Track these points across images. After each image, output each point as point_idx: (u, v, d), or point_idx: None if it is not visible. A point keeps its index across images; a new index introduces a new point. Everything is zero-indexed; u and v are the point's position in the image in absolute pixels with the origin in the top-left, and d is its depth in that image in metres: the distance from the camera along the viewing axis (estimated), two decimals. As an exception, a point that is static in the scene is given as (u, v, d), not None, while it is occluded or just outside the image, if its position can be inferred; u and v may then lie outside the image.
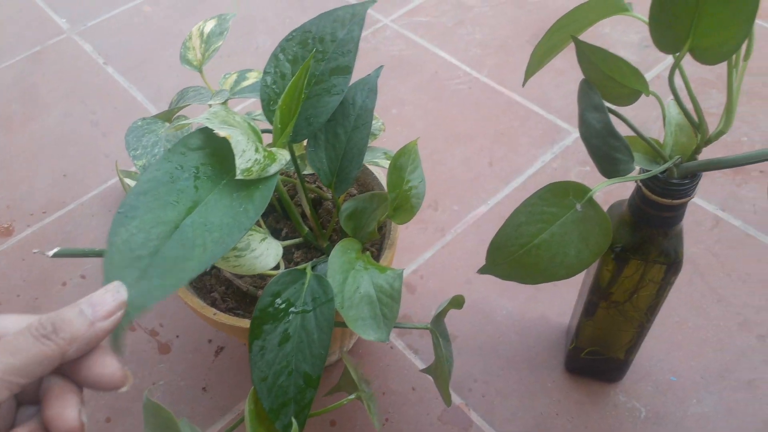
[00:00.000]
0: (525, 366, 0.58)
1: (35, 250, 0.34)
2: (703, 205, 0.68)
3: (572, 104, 0.78)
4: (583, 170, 0.71)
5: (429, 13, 0.92)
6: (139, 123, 0.49)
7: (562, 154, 0.73)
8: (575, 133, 0.75)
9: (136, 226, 0.32)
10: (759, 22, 0.86)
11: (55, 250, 0.37)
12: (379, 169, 0.54)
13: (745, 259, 0.63)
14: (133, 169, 0.75)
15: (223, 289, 0.49)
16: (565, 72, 0.82)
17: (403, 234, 0.68)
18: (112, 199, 0.73)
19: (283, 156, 0.38)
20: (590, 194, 0.33)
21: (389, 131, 0.77)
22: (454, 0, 0.94)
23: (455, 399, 0.56)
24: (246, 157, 0.35)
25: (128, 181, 0.61)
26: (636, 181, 0.41)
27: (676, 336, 0.59)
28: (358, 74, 0.83)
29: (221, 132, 0.35)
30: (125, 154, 0.77)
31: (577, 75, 0.82)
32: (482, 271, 0.35)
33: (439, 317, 0.43)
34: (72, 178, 0.75)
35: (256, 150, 0.37)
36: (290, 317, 0.38)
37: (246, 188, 0.36)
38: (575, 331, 0.54)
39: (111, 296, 0.30)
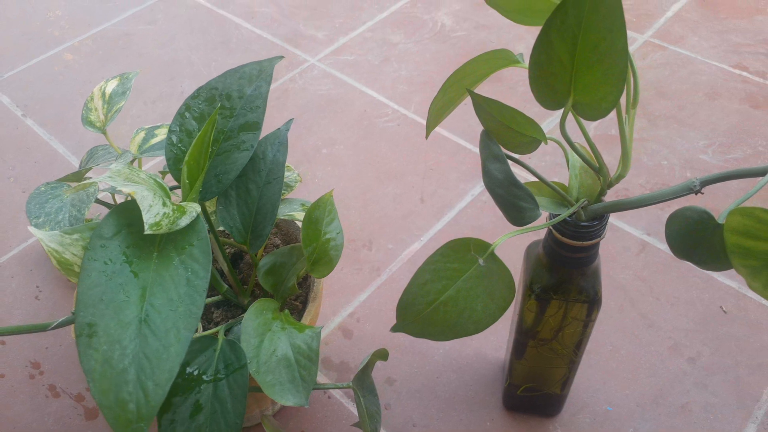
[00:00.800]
0: (464, 406, 0.57)
1: None
2: (630, 230, 0.69)
3: (500, 135, 0.79)
4: (513, 201, 0.72)
5: (355, 51, 0.92)
6: (42, 188, 0.47)
7: (492, 186, 0.74)
8: (504, 164, 0.76)
9: (104, 341, 0.32)
10: (674, 48, 0.90)
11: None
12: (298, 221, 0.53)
13: (673, 283, 0.64)
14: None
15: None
16: (492, 103, 0.84)
17: (337, 276, 0.67)
18: (31, 259, 0.69)
19: (194, 208, 0.37)
20: (491, 248, 0.33)
21: (320, 172, 0.76)
22: (378, 37, 0.94)
23: (394, 447, 0.55)
24: (153, 212, 0.34)
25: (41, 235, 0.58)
26: (548, 227, 0.41)
27: (610, 364, 0.59)
28: (285, 115, 0.83)
29: (125, 189, 0.33)
30: (46, 211, 0.74)
31: (503, 106, 0.83)
32: (394, 329, 0.34)
33: (364, 372, 0.42)
34: (-12, 239, 0.72)
35: (164, 204, 0.35)
36: (202, 387, 0.37)
37: (181, 250, 0.36)
38: (508, 370, 0.53)
39: None
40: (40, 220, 0.44)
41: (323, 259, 0.44)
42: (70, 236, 0.36)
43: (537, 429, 0.55)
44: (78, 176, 0.50)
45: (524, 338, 0.49)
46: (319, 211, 0.44)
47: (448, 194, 0.73)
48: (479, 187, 0.74)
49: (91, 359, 0.32)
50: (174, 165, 0.42)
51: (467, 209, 0.72)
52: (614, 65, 0.28)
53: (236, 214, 0.44)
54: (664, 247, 0.67)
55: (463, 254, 0.32)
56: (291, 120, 0.46)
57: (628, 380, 0.58)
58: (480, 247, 0.32)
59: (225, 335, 0.43)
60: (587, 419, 0.56)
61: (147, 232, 0.35)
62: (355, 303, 0.65)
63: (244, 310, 0.49)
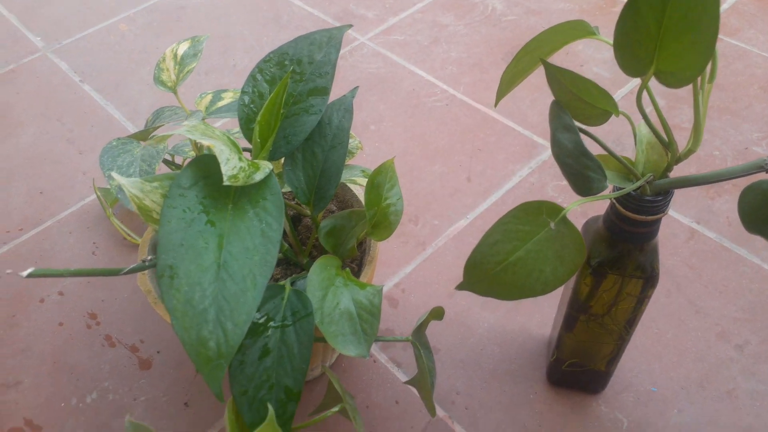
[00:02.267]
0: (507, 378, 0.58)
1: (8, 271, 0.33)
2: (679, 218, 0.69)
3: (548, 120, 0.79)
4: (560, 184, 0.72)
5: (404, 32, 0.93)
6: (114, 143, 0.49)
7: (539, 169, 0.74)
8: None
9: (185, 283, 0.34)
10: (730, 40, 0.89)
11: (29, 270, 0.37)
12: (358, 188, 0.54)
13: (722, 271, 0.64)
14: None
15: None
16: (540, 88, 0.84)
17: (384, 248, 0.68)
18: (89, 217, 0.72)
19: (266, 165, 0.38)
20: (563, 213, 0.33)
21: (368, 148, 0.77)
22: (428, 19, 0.95)
23: (439, 412, 0.56)
24: (231, 165, 0.35)
25: (124, 181, 0.61)
26: (611, 199, 0.41)
27: (656, 347, 0.59)
28: (336, 91, 0.84)
29: (204, 141, 0.35)
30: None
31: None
32: (460, 288, 0.35)
33: (420, 329, 0.43)
34: (48, 195, 0.74)
35: (240, 159, 0.37)
36: (269, 332, 0.38)
37: (255, 203, 0.37)
38: (556, 344, 0.54)
39: None
40: (113, 172, 0.46)
41: (383, 223, 0.45)
42: (151, 184, 0.37)
43: (580, 405, 0.56)
44: (145, 135, 0.51)
45: (576, 312, 0.49)
46: (381, 177, 0.45)
47: (495, 175, 0.74)
48: (527, 169, 0.74)
49: (173, 299, 0.34)
50: (246, 125, 0.44)
51: (514, 190, 0.72)
52: (704, 33, 0.28)
53: (302, 175, 0.45)
54: (713, 235, 0.67)
55: (534, 217, 0.33)
56: (356, 88, 0.47)
57: (674, 363, 0.58)
58: (552, 210, 0.33)
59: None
60: (631, 398, 0.56)
61: (225, 183, 0.37)
62: (400, 274, 0.66)
63: (303, 269, 0.50)
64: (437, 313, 0.42)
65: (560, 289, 0.64)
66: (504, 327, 0.61)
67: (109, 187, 0.74)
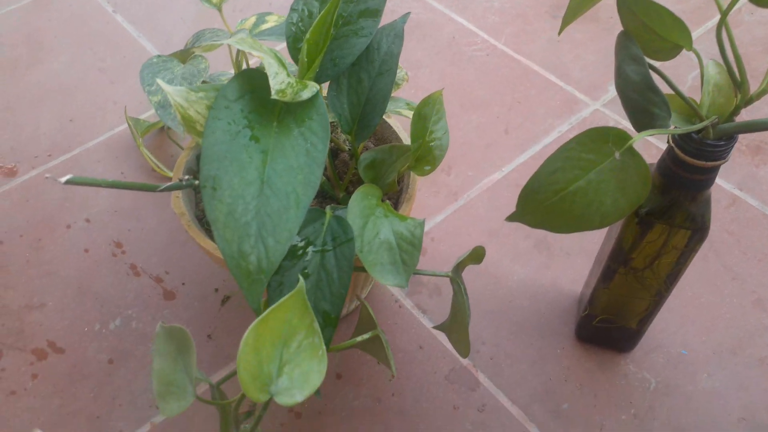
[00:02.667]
0: (535, 332, 0.57)
1: (47, 175, 0.32)
2: (721, 183, 0.67)
3: (591, 76, 0.77)
4: (601, 142, 0.70)
5: (449, -23, 0.90)
6: (155, 60, 0.47)
7: (579, 126, 0.72)
8: (593, 106, 0.74)
9: (228, 195, 0.33)
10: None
11: (68, 177, 0.36)
12: (398, 123, 0.53)
13: (762, 240, 0.62)
14: (142, 116, 0.73)
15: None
16: (584, 44, 0.81)
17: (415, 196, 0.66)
18: (118, 147, 0.71)
19: (313, 85, 0.37)
20: (630, 143, 0.32)
21: (404, 94, 0.75)
22: (475, -35, 0.91)
23: (463, 360, 0.55)
24: (279, 79, 0.34)
25: (170, 89, 0.59)
26: (668, 142, 0.39)
27: (689, 310, 0.58)
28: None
29: (255, 53, 0.33)
30: (134, 102, 0.75)
31: (597, 47, 0.80)
32: (511, 218, 0.34)
33: (458, 268, 0.42)
34: (78, 123, 0.73)
35: (288, 75, 0.35)
36: (309, 256, 0.37)
37: (300, 122, 0.36)
38: (589, 298, 0.53)
39: None
40: (153, 87, 0.45)
41: (427, 157, 0.44)
42: (196, 94, 0.36)
43: (608, 362, 0.55)
44: (185, 55, 0.50)
45: (615, 264, 0.48)
46: (428, 109, 0.43)
47: (534, 128, 0.72)
48: (567, 125, 0.72)
49: (215, 210, 0.33)
50: (293, 44, 0.42)
51: (553, 145, 0.70)
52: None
53: (346, 102, 0.44)
54: (755, 203, 0.65)
55: (600, 145, 0.31)
56: (408, 14, 0.45)
57: (706, 328, 0.57)
58: (619, 138, 0.31)
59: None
60: (660, 359, 0.55)
61: (273, 96, 0.35)
62: (431, 223, 0.65)
63: (338, 203, 0.49)
64: (477, 254, 0.41)
65: (597, 243, 0.62)
66: (535, 281, 0.60)
67: (141, 116, 0.73)
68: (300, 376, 0.30)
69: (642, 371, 0.55)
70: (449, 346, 0.56)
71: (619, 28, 0.82)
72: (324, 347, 0.31)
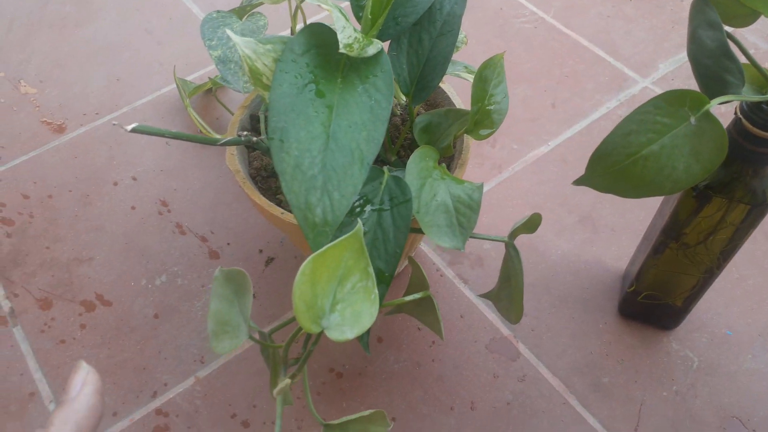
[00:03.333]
0: (577, 306, 0.57)
1: (114, 122, 0.33)
2: (773, 164, 0.65)
3: (642, 53, 0.75)
4: (649, 120, 0.69)
5: (498, -52, 0.88)
6: (214, 15, 0.47)
7: (628, 103, 0.71)
8: (643, 83, 0.73)
9: (295, 147, 0.34)
10: None
11: (134, 125, 0.36)
12: (451, 88, 0.52)
13: (812, 223, 0.61)
14: (190, 77, 0.74)
15: (287, 192, 0.48)
16: (635, 20, 0.79)
17: (458, 167, 0.66)
18: (164, 108, 0.72)
19: (378, 42, 0.36)
20: (708, 107, 0.31)
21: (450, 64, 0.75)
22: (524, -63, 0.90)
23: (504, 330, 0.55)
24: (347, 33, 0.34)
25: (238, 40, 0.60)
26: (736, 113, 0.39)
27: (735, 291, 0.57)
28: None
29: (324, 5, 0.33)
30: (180, 64, 0.76)
31: (648, 24, 0.78)
32: (578, 182, 0.33)
33: (514, 234, 0.42)
34: (125, 82, 0.74)
35: (354, 30, 0.35)
36: (366, 214, 0.37)
37: (365, 79, 0.36)
38: (636, 274, 0.52)
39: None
40: (213, 42, 0.45)
41: (486, 121, 0.43)
42: (264, 46, 0.36)
43: (651, 339, 0.55)
44: (241, 12, 0.50)
45: (667, 239, 0.47)
46: (489, 71, 0.43)
47: (582, 104, 0.71)
48: (615, 102, 0.71)
49: (283, 162, 0.33)
50: (356, 1, 0.42)
51: (601, 121, 0.69)
52: None
53: (405, 63, 0.43)
54: (808, 187, 0.63)
55: (676, 108, 0.30)
56: (471, -24, 0.45)
57: (752, 310, 0.56)
58: (696, 101, 0.31)
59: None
60: (704, 339, 0.55)
61: (341, 50, 0.35)
62: (473, 195, 0.64)
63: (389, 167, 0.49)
64: (533, 221, 0.41)
65: (645, 220, 0.61)
66: (578, 256, 0.60)
67: (189, 77, 0.74)
68: (352, 315, 0.31)
69: (685, 349, 0.54)
70: (490, 316, 0.56)
71: (673, 4, 0.80)
72: (377, 291, 0.32)
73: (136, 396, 0.53)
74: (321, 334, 0.32)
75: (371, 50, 0.37)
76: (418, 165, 0.40)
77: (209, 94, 0.72)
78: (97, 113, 0.71)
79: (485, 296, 0.48)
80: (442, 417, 0.51)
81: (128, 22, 0.81)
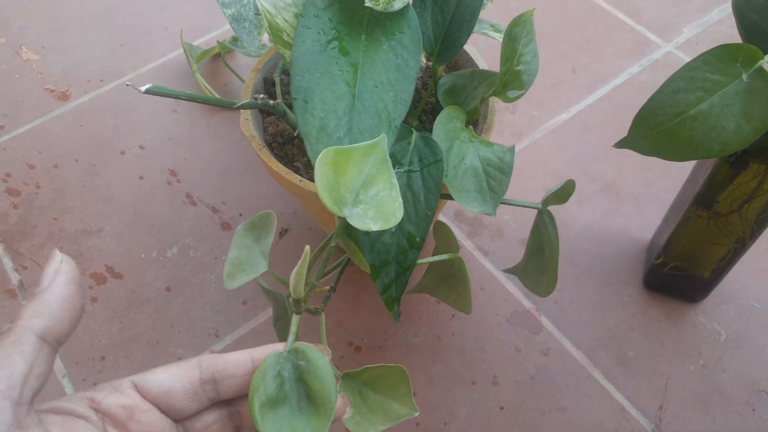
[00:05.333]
0: (601, 278, 0.55)
1: (128, 83, 0.31)
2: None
3: (664, 16, 0.73)
4: (673, 86, 0.67)
5: None
6: (226, -29, 0.45)
7: (650, 68, 0.68)
8: (666, 47, 0.70)
9: (320, 109, 0.32)
10: None
11: (148, 86, 0.34)
12: (474, 49, 0.50)
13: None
14: (196, 42, 0.71)
15: (306, 159, 0.46)
16: (658, -18, 0.76)
17: (476, 135, 0.64)
18: (171, 74, 0.69)
19: (404, -2, 0.34)
20: (761, 62, 0.29)
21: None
22: None
23: (526, 303, 0.54)
24: (372, -13, 0.32)
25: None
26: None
27: (763, 263, 0.56)
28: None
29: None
30: (186, 27, 0.73)
31: (672, -14, 0.75)
32: (621, 144, 0.31)
33: (547, 201, 0.40)
34: (129, 48, 0.71)
35: (383, -16, 0.33)
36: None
37: (390, 35, 0.34)
38: (664, 245, 0.51)
39: None
40: (227, 0, 0.42)
41: (515, 82, 0.41)
42: (284, 0, 0.34)
43: (677, 311, 0.53)
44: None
45: (698, 208, 0.45)
46: (519, 29, 0.41)
47: (603, 69, 0.68)
48: (638, 67, 0.68)
49: (308, 124, 0.31)
50: (378, -47, 0.39)
51: (623, 87, 0.67)
52: None
53: (429, 20, 0.41)
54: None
55: (727, 65, 0.28)
56: (499, -73, 0.42)
57: (782, 281, 0.55)
58: (749, 58, 0.29)
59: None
60: (732, 311, 0.53)
61: (367, 4, 0.33)
62: (492, 164, 0.62)
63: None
64: (566, 191, 0.39)
65: (672, 189, 0.59)
66: (601, 226, 0.58)
67: (195, 42, 0.71)
68: (375, 214, 0.29)
69: (712, 322, 0.53)
70: (511, 288, 0.55)
71: (696, -34, 0.77)
72: (401, 200, 0.29)
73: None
74: (345, 266, 0.30)
75: (398, 4, 0.34)
76: (445, 126, 0.38)
77: (217, 59, 0.69)
78: (101, 80, 0.69)
79: (510, 271, 0.47)
80: (464, 391, 0.50)
81: (131, -14, 0.78)
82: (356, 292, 0.54)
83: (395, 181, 0.29)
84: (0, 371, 0.23)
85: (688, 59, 0.68)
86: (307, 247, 0.27)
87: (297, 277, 0.29)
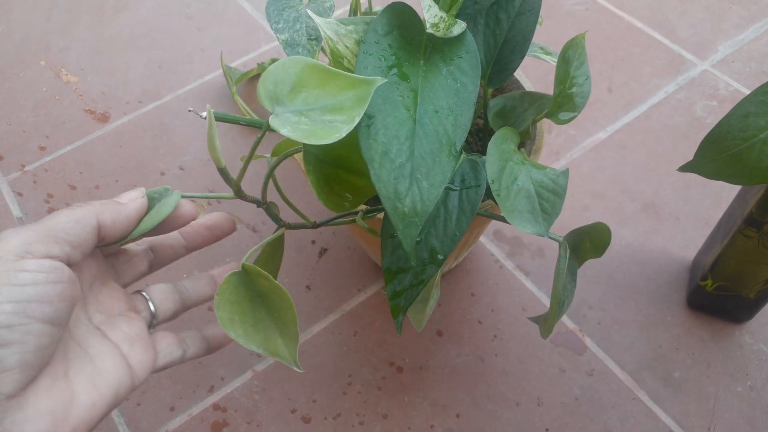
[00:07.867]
0: (644, 298, 0.55)
1: (190, 109, 0.31)
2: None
3: (699, 34, 0.73)
4: (710, 105, 0.67)
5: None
6: (277, -4, 0.45)
7: (686, 86, 0.68)
8: (702, 66, 0.70)
9: (382, 134, 0.32)
10: None
11: (210, 110, 0.35)
12: (520, 72, 0.50)
13: None
14: (234, 64, 0.72)
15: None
16: (690, 0, 0.76)
17: (513, 154, 0.64)
18: (209, 95, 0.70)
19: (462, 22, 0.35)
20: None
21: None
22: None
23: (569, 324, 0.54)
24: (432, 12, 0.32)
25: (320, 21, 0.58)
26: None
27: (809, 282, 0.55)
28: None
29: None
30: (224, 49, 0.74)
31: (705, 3, 0.76)
32: (685, 168, 0.31)
33: (571, 236, 0.40)
34: (167, 70, 0.73)
35: (439, 9, 0.33)
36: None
37: (449, 61, 0.34)
38: (711, 265, 0.50)
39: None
40: (280, 25, 0.43)
41: (567, 105, 0.41)
42: (345, 27, 0.34)
43: (722, 332, 0.53)
44: (301, -5, 0.48)
45: (748, 227, 0.45)
46: (571, 52, 0.41)
47: (639, 88, 0.68)
48: (674, 86, 0.68)
49: (370, 149, 0.32)
50: (431, -21, 0.40)
51: (659, 106, 0.67)
52: None
53: (482, 43, 0.42)
54: None
55: (800, 88, 0.28)
56: (549, -48, 0.42)
57: (829, 302, 0.54)
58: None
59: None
60: (780, 332, 0.53)
61: (429, 30, 0.33)
62: (529, 183, 0.62)
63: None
64: (601, 240, 0.39)
65: (709, 207, 0.59)
66: (643, 246, 0.58)
67: (233, 64, 0.72)
68: (306, 131, 0.29)
69: (758, 343, 0.52)
70: (554, 308, 0.54)
71: (728, -16, 0.77)
72: (344, 136, 0.29)
73: (193, 391, 0.52)
74: None
75: (456, 30, 0.35)
76: (499, 147, 0.38)
77: (254, 81, 0.70)
78: (140, 101, 0.70)
79: (533, 320, 0.46)
80: (509, 413, 0.50)
81: (167, 8, 0.79)
82: (398, 312, 0.54)
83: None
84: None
85: (724, 77, 0.68)
86: (208, 106, 0.29)
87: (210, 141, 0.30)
